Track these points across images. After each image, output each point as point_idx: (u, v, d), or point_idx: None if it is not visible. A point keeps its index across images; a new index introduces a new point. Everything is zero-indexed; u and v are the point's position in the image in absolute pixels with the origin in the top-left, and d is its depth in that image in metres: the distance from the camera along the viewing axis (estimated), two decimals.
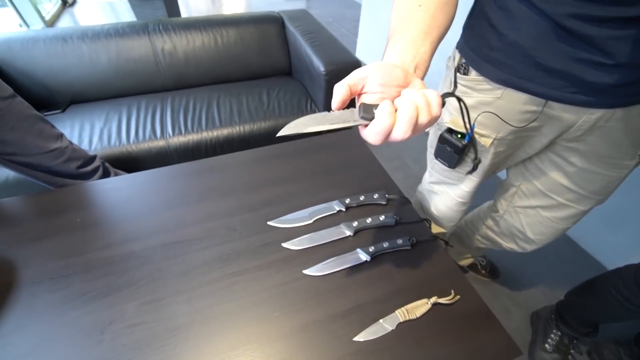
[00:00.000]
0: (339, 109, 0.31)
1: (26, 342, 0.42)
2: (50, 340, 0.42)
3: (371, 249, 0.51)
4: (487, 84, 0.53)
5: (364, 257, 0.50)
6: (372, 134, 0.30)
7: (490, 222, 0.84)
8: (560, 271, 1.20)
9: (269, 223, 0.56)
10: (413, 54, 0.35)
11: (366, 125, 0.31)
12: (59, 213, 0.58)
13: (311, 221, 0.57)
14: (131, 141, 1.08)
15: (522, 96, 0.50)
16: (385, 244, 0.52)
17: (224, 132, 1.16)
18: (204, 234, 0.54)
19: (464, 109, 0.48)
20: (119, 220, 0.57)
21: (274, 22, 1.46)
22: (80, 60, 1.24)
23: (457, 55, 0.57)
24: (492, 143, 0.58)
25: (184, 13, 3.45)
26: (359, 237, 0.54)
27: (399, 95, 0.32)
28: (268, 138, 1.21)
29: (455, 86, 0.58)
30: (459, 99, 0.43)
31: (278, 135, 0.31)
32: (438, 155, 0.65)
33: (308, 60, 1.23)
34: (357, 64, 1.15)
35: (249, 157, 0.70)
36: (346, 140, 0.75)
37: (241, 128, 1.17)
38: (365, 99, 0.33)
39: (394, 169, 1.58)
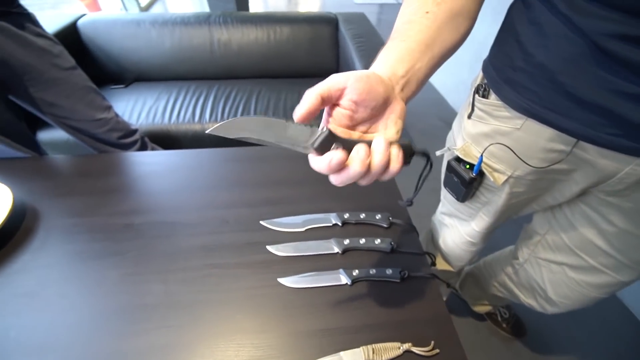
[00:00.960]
0: (301, 122, 0.27)
1: (28, 283, 0.46)
2: (46, 287, 0.46)
3: (355, 272, 0.47)
4: (506, 111, 0.44)
5: (344, 279, 0.47)
6: (335, 177, 0.28)
7: (509, 270, 0.73)
8: (603, 339, 1.00)
9: (261, 222, 0.55)
10: (406, 68, 0.30)
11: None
12: (87, 176, 0.63)
13: (303, 229, 0.54)
14: (172, 121, 1.16)
15: (547, 130, 0.41)
16: (373, 271, 0.47)
17: None
18: (198, 220, 0.55)
19: (426, 170, 0.36)
20: (132, 191, 0.61)
21: (328, 23, 1.46)
22: (148, 43, 1.37)
23: (481, 75, 0.50)
24: (506, 181, 0.49)
25: (261, 9, 3.64)
26: (347, 257, 0.51)
27: (370, 117, 0.29)
28: None
29: (473, 109, 0.50)
30: (428, 158, 0.34)
31: (207, 132, 0.27)
32: (446, 184, 0.58)
33: (351, 65, 1.20)
34: None
35: (264, 153, 0.70)
36: None
37: None
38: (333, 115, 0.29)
39: (427, 190, 1.48)
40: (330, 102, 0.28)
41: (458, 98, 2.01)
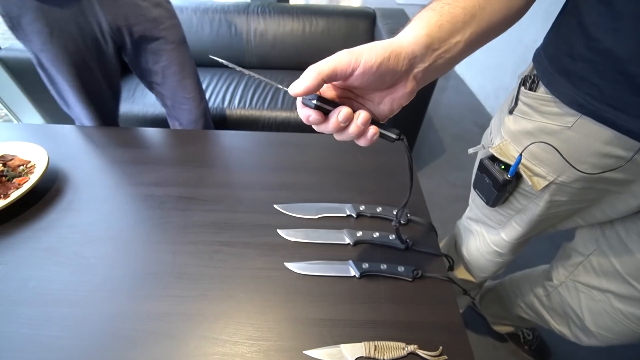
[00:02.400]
0: (296, 96, 0.27)
1: (50, 239, 0.48)
2: (66, 245, 0.48)
3: (364, 265, 0.45)
4: (556, 106, 0.39)
5: (353, 271, 0.45)
6: (315, 127, 0.28)
7: (540, 291, 0.66)
8: None
9: (275, 206, 0.55)
10: (443, 39, 0.27)
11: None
12: (119, 147, 0.66)
13: (316, 217, 0.53)
14: None
15: (604, 131, 0.36)
16: (383, 266, 0.45)
17: (283, 114, 1.19)
18: (214, 197, 0.56)
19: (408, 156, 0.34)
20: (156, 164, 0.62)
21: (366, 18, 1.43)
22: (189, 29, 1.41)
23: (530, 65, 0.44)
24: (546, 187, 0.44)
25: (302, 2, 3.67)
26: (358, 250, 0.49)
27: (368, 89, 0.28)
28: None
29: (516, 104, 0.45)
30: (399, 138, 0.30)
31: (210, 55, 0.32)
32: (476, 185, 0.53)
33: None
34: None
35: (288, 139, 0.70)
36: (390, 145, 0.68)
37: (297, 114, 1.18)
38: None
39: (454, 197, 1.41)
40: (333, 81, 0.27)
41: (497, 104, 1.90)
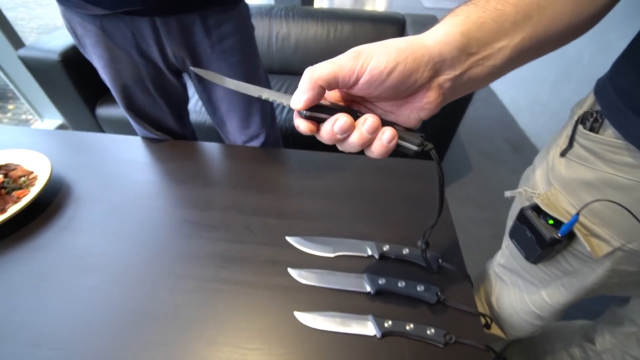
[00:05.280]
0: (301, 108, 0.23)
1: (43, 263, 0.45)
2: (58, 271, 0.44)
3: (387, 323, 0.38)
4: (629, 155, 0.31)
5: (373, 329, 0.38)
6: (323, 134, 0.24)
7: (576, 352, 0.57)
8: None
9: (287, 238, 0.49)
10: (480, 42, 0.21)
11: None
12: (123, 159, 0.63)
13: (332, 255, 0.47)
14: None
15: None
16: (410, 326, 0.38)
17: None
18: (222, 223, 0.51)
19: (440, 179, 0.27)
20: (172, 180, 0.58)
21: (394, 24, 1.35)
22: None
23: (591, 99, 0.36)
24: (611, 253, 0.35)
25: (326, 5, 3.61)
26: (380, 300, 0.42)
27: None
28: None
29: (571, 145, 0.37)
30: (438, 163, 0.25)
31: (191, 68, 0.31)
32: (513, 235, 0.45)
33: None
34: (469, 96, 0.95)
35: (305, 158, 0.64)
36: (420, 171, 0.61)
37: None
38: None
39: (480, 221, 1.31)
40: (334, 89, 0.22)
41: (531, 120, 1.77)
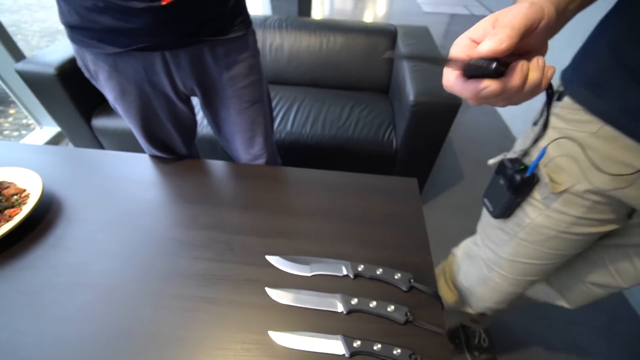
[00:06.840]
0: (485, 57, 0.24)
1: (32, 282, 0.47)
2: (47, 290, 0.46)
3: (356, 343, 0.40)
4: (580, 114, 0.42)
5: (342, 349, 0.40)
6: (487, 96, 0.25)
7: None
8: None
9: (267, 257, 0.51)
10: None
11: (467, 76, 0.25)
12: (114, 177, 0.65)
13: (309, 274, 0.49)
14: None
15: (625, 140, 0.38)
16: (377, 346, 0.40)
17: (292, 137, 1.15)
18: (204, 242, 0.53)
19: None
20: (161, 197, 0.60)
21: (386, 36, 1.37)
22: None
23: (558, 81, 0.48)
24: (561, 193, 0.46)
25: (327, 14, 3.64)
26: (352, 320, 0.44)
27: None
28: (332, 156, 1.15)
29: (541, 115, 0.48)
30: (549, 92, 0.30)
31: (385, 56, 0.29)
32: (487, 192, 0.55)
33: (402, 84, 1.11)
34: (457, 104, 0.98)
35: (291, 175, 0.66)
36: (402, 187, 0.63)
37: (308, 138, 1.14)
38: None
39: (469, 232, 1.32)
40: (524, 38, 0.24)
41: (524, 128, 1.78)
